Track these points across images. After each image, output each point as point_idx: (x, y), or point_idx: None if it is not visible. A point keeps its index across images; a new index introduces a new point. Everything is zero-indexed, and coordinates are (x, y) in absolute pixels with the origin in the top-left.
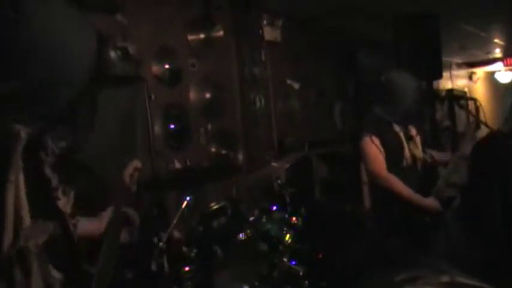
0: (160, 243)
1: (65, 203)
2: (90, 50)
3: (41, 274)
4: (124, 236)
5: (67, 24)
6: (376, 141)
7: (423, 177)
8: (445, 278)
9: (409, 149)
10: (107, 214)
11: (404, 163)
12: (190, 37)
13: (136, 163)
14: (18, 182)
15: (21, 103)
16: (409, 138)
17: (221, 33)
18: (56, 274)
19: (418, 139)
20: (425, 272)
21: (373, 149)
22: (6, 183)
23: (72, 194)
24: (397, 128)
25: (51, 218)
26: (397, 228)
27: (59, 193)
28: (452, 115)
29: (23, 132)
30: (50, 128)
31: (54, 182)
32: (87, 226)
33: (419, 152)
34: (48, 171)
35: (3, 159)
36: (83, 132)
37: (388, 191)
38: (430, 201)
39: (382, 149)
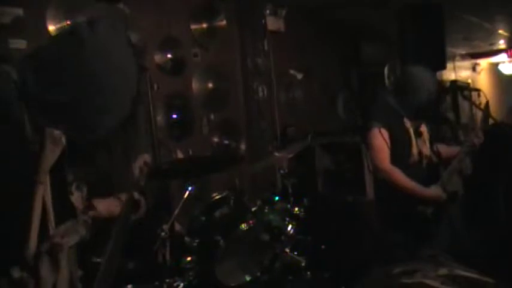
0: (163, 233)
1: (77, 198)
2: (134, 84)
3: (69, 272)
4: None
5: (120, 62)
6: (385, 133)
7: (427, 174)
8: (442, 271)
9: (417, 146)
10: (123, 197)
11: (411, 160)
12: (193, 27)
13: (146, 157)
14: (47, 182)
15: (62, 119)
16: (419, 134)
17: (224, 23)
18: (80, 272)
19: (426, 136)
20: (423, 264)
21: (380, 140)
22: (37, 184)
23: (85, 190)
24: (407, 122)
25: (69, 214)
26: (399, 221)
27: (73, 188)
28: (455, 106)
29: (63, 138)
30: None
31: (69, 176)
32: (101, 205)
33: (426, 149)
34: (65, 167)
35: (31, 159)
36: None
37: (391, 184)
38: (433, 191)
39: (388, 142)
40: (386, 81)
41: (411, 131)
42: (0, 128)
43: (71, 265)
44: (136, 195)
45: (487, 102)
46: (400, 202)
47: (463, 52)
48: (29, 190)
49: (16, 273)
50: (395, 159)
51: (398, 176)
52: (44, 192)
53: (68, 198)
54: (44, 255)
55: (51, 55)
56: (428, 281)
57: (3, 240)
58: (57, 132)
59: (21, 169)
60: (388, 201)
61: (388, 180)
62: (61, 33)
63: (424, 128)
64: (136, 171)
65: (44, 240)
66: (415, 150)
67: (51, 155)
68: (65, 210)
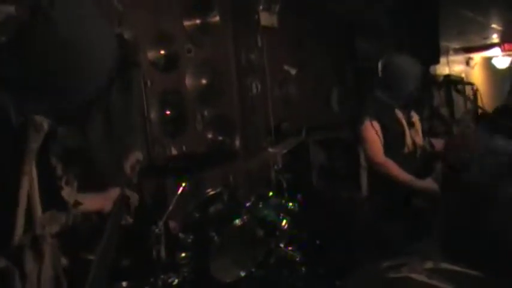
0: (157, 230)
1: (68, 193)
2: (111, 50)
3: (52, 262)
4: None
5: (90, 23)
6: (376, 126)
7: (422, 164)
8: (428, 265)
9: (410, 136)
10: (114, 192)
11: (405, 150)
12: (187, 23)
13: (138, 155)
14: (32, 172)
15: (42, 94)
16: (411, 124)
17: (217, 18)
18: (64, 261)
19: (418, 125)
20: (410, 258)
21: (372, 133)
22: (21, 174)
23: (75, 184)
24: (399, 113)
25: (58, 208)
26: (394, 214)
27: (63, 182)
28: (449, 101)
29: (45, 124)
30: (66, 123)
31: (59, 171)
32: (95, 200)
33: (419, 139)
34: (53, 160)
35: (17, 149)
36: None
37: (385, 177)
38: (428, 183)
39: (381, 135)
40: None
41: (403, 121)
42: None
43: (55, 255)
44: (127, 191)
45: (475, 93)
46: (394, 195)
47: (457, 46)
48: (14, 181)
49: (1, 263)
50: (389, 151)
51: (393, 168)
52: (29, 184)
53: (58, 192)
54: (27, 246)
55: (18, 34)
56: (414, 275)
57: None
58: (38, 119)
59: (7, 160)
60: (382, 195)
61: (383, 172)
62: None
63: (415, 118)
64: (128, 170)
65: (27, 232)
66: (408, 141)
67: (34, 144)
68: (54, 205)
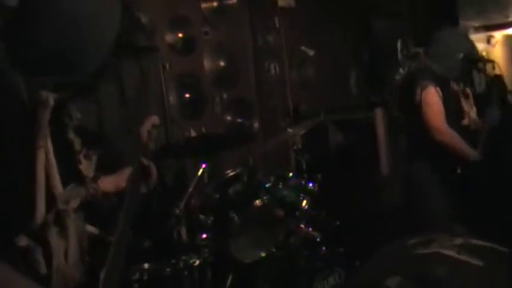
0: (177, 211)
1: (86, 167)
2: (116, 20)
3: (77, 237)
4: (142, 189)
5: None
6: (440, 93)
7: (474, 137)
8: (458, 241)
9: (466, 109)
10: (127, 171)
11: (463, 122)
12: (204, 5)
13: (154, 118)
14: (47, 147)
15: (47, 68)
16: (466, 97)
17: (234, 0)
18: (94, 230)
19: (471, 99)
20: (438, 235)
21: (436, 99)
22: (36, 150)
23: (94, 158)
24: (455, 86)
25: (77, 181)
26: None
27: (81, 156)
28: (470, 79)
29: (51, 98)
30: (74, 96)
31: (77, 145)
32: (108, 182)
33: (473, 113)
34: (71, 134)
35: (30, 125)
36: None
37: (445, 145)
38: (478, 154)
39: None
40: (400, 56)
41: (459, 93)
42: (1, 98)
43: (79, 229)
44: (145, 161)
45: (498, 75)
46: (443, 164)
47: (477, 24)
48: (30, 156)
49: (22, 241)
50: (447, 122)
51: (455, 137)
52: (46, 158)
53: (76, 166)
54: (51, 223)
55: (23, 12)
56: (444, 251)
57: (8, 209)
58: (44, 94)
59: (22, 136)
60: (431, 163)
61: (442, 140)
62: None
63: (469, 91)
64: (145, 135)
65: (50, 208)
66: (466, 113)
67: (42, 118)
68: (72, 178)
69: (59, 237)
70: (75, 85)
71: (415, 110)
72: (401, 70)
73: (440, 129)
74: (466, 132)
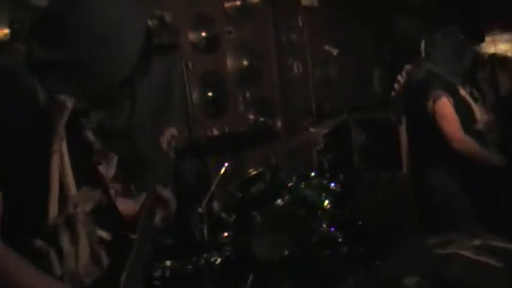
0: (200, 210)
1: (106, 168)
2: (142, 30)
3: (88, 241)
4: (160, 220)
5: (123, 9)
6: (452, 102)
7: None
8: (477, 242)
9: (478, 113)
10: (143, 197)
11: (477, 127)
12: (227, 4)
13: (173, 130)
14: (62, 150)
15: (67, 75)
16: (476, 100)
17: None
18: (104, 234)
19: (481, 102)
20: (458, 235)
21: (451, 109)
22: (52, 153)
23: (115, 159)
24: (462, 91)
25: (94, 184)
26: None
27: (101, 157)
28: (495, 79)
29: (69, 102)
30: (95, 104)
31: (97, 146)
32: (123, 205)
33: (485, 115)
34: (89, 135)
35: (46, 128)
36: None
37: (465, 154)
38: (500, 159)
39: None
40: (423, 55)
41: (468, 98)
42: (16, 100)
43: (91, 234)
44: (161, 191)
45: None
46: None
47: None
48: (45, 160)
49: (37, 243)
50: (462, 129)
51: (474, 145)
52: (60, 162)
53: (94, 168)
54: (61, 226)
55: (50, 15)
56: (462, 252)
57: (23, 211)
58: (62, 97)
59: (37, 138)
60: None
61: (463, 150)
62: None
63: (477, 94)
64: (164, 145)
65: (62, 211)
66: (478, 117)
67: (58, 122)
68: (89, 182)
69: (69, 240)
70: (95, 95)
71: (427, 121)
72: (399, 78)
73: (459, 140)
74: (480, 137)
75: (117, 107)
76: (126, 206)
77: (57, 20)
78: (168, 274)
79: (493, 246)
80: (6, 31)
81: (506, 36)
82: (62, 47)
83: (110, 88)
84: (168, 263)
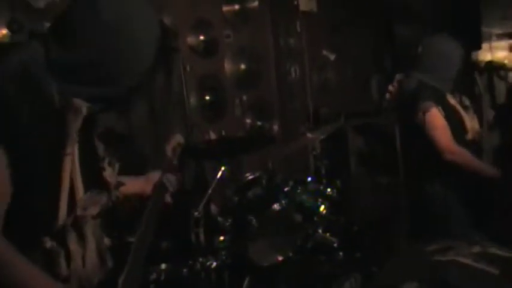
0: (196, 213)
1: (110, 174)
2: (155, 40)
3: (95, 243)
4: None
5: (136, 11)
6: (442, 112)
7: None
8: (476, 249)
9: (469, 121)
10: (154, 176)
11: (468, 136)
12: (225, 8)
13: (179, 138)
14: (74, 154)
15: (83, 78)
16: (466, 108)
17: (256, 4)
18: (107, 241)
19: (472, 110)
20: (456, 242)
21: (442, 120)
22: (64, 156)
23: (117, 166)
24: (451, 99)
25: (99, 189)
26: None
27: (105, 164)
28: (491, 87)
29: (84, 108)
30: (107, 108)
31: (101, 152)
32: (135, 184)
33: (476, 124)
34: (96, 141)
35: (60, 130)
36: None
37: (459, 165)
38: (492, 169)
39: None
40: (414, 63)
41: (458, 106)
42: (32, 101)
43: (97, 236)
44: (169, 175)
45: None
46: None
47: (500, 32)
48: (57, 163)
49: (47, 243)
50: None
51: (467, 155)
52: (72, 165)
53: (100, 173)
54: (69, 228)
55: (67, 18)
56: (460, 259)
57: (35, 211)
58: (77, 102)
59: (50, 142)
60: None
61: (456, 160)
62: None
63: (467, 102)
64: (169, 152)
65: (69, 214)
66: (468, 126)
67: (73, 126)
68: (95, 186)
69: (77, 242)
70: (110, 98)
71: (418, 131)
72: (390, 87)
73: (451, 151)
74: (472, 148)
75: (131, 110)
76: (138, 184)
77: (76, 23)
78: (163, 278)
79: (492, 254)
80: (4, 31)
81: (503, 43)
82: (81, 50)
83: (126, 90)
84: (163, 266)
